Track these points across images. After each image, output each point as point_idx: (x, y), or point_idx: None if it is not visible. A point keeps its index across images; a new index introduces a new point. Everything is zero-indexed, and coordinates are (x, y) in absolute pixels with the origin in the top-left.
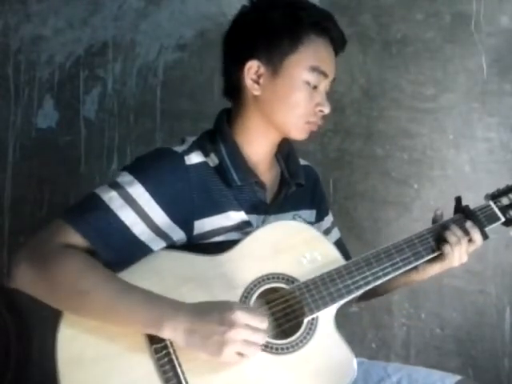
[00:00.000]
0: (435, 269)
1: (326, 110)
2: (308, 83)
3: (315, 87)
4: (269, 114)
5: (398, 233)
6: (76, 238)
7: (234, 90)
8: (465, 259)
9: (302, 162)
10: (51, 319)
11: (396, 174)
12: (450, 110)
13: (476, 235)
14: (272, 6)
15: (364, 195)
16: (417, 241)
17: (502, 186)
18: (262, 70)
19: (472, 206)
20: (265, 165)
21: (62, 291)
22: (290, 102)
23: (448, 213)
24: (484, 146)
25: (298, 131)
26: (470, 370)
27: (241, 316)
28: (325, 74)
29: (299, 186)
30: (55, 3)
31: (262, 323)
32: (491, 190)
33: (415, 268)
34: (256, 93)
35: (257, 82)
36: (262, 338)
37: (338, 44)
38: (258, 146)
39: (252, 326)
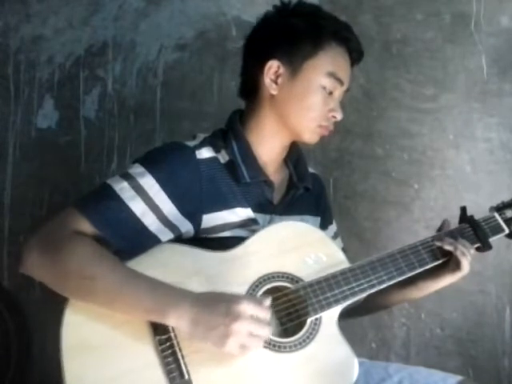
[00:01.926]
0: (444, 281)
1: (339, 116)
2: (324, 88)
3: (330, 93)
4: (283, 115)
5: (398, 233)
6: (86, 226)
7: (251, 89)
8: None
9: (310, 169)
10: (51, 319)
11: (396, 174)
12: (450, 110)
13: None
14: (295, 14)
15: (364, 195)
16: (421, 247)
17: (501, 186)
18: (282, 70)
19: (472, 206)
20: (274, 166)
21: (70, 277)
22: (305, 104)
23: (449, 213)
24: (484, 146)
25: (309, 134)
26: (470, 370)
27: (247, 307)
28: (341, 82)
29: (306, 190)
30: (55, 3)
31: (267, 314)
32: (491, 190)
33: (415, 284)
34: (273, 92)
35: (275, 82)
36: (267, 332)
37: (355, 55)
38: (269, 146)
39: (257, 318)
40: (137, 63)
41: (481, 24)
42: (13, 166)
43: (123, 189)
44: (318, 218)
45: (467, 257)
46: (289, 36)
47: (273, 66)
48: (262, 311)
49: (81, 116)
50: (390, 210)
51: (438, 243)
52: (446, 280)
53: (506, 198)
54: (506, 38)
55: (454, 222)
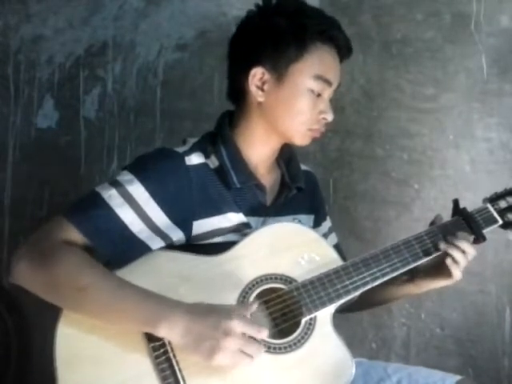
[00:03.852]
0: (441, 284)
1: (329, 117)
2: (312, 91)
3: (319, 95)
4: (272, 121)
5: (398, 233)
6: (75, 235)
7: (237, 94)
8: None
9: (303, 166)
10: (51, 319)
11: (396, 174)
12: (450, 110)
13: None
14: (278, 13)
15: (364, 195)
16: (415, 242)
17: (501, 186)
18: (267, 76)
19: (472, 206)
20: (265, 168)
21: (60, 288)
22: (293, 109)
23: (448, 213)
24: (484, 145)
25: (300, 138)
26: (470, 370)
27: (238, 324)
28: (329, 83)
29: (299, 190)
30: (55, 3)
31: (260, 333)
32: (491, 190)
33: (412, 281)
34: (260, 99)
35: (261, 89)
36: (257, 351)
37: (344, 52)
38: (258, 149)
39: (248, 336)
40: (137, 63)
41: (481, 24)
42: (13, 166)
43: (111, 196)
44: (312, 216)
45: (459, 265)
46: (271, 40)
47: (257, 73)
48: (254, 329)
49: (81, 116)
50: (389, 210)
51: (440, 244)
52: (442, 283)
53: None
54: (506, 38)
55: None
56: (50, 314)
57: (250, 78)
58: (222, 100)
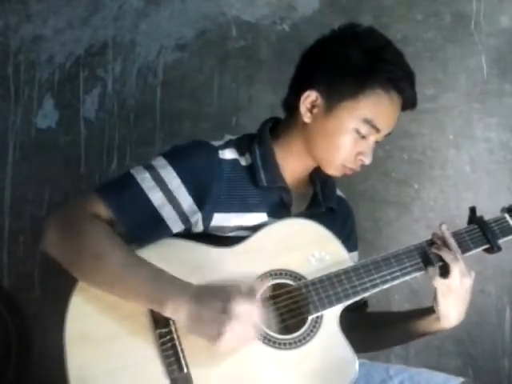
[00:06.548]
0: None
1: (367, 161)
2: (357, 131)
3: (363, 137)
4: (311, 144)
5: (398, 233)
6: (104, 211)
7: (289, 105)
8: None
9: (338, 192)
10: (51, 319)
11: (396, 174)
12: (450, 110)
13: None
14: (356, 44)
15: (364, 195)
16: (428, 248)
17: (501, 186)
18: (319, 102)
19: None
20: (295, 179)
21: (79, 254)
22: (333, 142)
23: (449, 213)
24: (484, 145)
25: (332, 169)
26: (470, 370)
27: (244, 308)
28: (377, 129)
29: (330, 211)
30: (55, 3)
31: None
32: (491, 190)
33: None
34: (307, 120)
35: (310, 111)
36: (258, 332)
37: (408, 105)
38: (292, 163)
39: (252, 317)
40: (137, 63)
41: (481, 24)
42: (13, 166)
43: (145, 179)
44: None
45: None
46: (335, 68)
47: (310, 96)
48: (257, 311)
49: (81, 116)
50: (389, 210)
51: (435, 251)
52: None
53: (505, 198)
54: (506, 38)
55: (455, 222)
56: (51, 314)
57: (303, 98)
58: (222, 100)
